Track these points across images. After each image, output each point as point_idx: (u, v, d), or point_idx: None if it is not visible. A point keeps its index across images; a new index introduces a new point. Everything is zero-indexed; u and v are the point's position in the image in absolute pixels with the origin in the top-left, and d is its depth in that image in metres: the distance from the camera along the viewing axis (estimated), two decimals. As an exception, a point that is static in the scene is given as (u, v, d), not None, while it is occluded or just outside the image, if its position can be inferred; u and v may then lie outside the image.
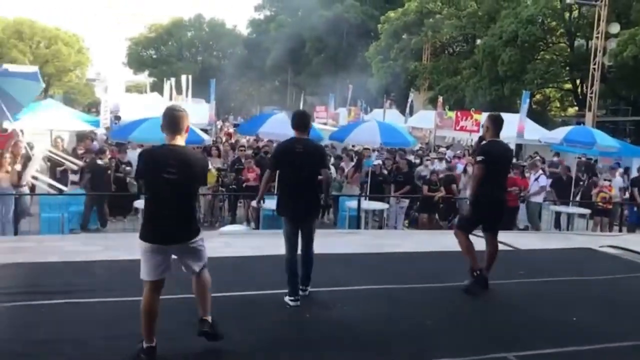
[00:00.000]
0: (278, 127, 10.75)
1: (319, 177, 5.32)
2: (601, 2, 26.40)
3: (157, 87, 53.50)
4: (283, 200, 5.30)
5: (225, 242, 7.74)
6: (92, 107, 43.19)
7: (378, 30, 40.86)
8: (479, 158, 5.76)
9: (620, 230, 12.51)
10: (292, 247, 5.19)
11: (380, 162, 13.35)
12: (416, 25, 37.73)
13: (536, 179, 12.43)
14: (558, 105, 40.67)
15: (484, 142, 5.97)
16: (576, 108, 36.26)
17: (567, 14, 31.71)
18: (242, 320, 4.73)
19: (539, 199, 12.40)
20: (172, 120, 3.97)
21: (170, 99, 38.04)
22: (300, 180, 5.19)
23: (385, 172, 12.97)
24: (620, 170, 13.89)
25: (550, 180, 13.08)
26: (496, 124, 5.91)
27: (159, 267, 3.86)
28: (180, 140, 3.96)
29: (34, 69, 9.96)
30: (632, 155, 16.60)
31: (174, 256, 3.96)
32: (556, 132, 13.60)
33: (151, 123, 9.97)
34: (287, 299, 5.14)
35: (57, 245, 7.74)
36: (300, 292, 5.23)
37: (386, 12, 41.66)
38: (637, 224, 12.97)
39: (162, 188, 3.83)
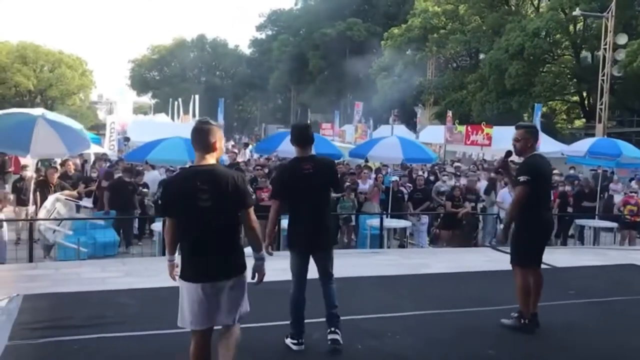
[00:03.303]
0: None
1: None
2: (608, 13, 26.28)
3: (161, 109, 53.59)
4: (290, 230, 4.52)
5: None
6: (95, 130, 43.17)
7: (381, 47, 40.85)
8: (523, 178, 4.92)
9: (648, 244, 12.16)
10: (300, 284, 4.49)
11: (397, 178, 13.08)
12: (420, 40, 37.71)
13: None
14: (565, 117, 40.46)
15: (528, 156, 5.15)
16: (583, 120, 36.08)
17: (571, 27, 31.64)
18: (286, 354, 4.38)
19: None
20: (198, 134, 3.40)
21: (173, 118, 38.07)
22: (313, 206, 4.46)
23: (403, 188, 12.71)
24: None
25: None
26: (536, 136, 5.28)
27: (205, 313, 3.30)
28: (211, 159, 3.39)
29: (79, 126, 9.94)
30: (650, 167, 16.24)
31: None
32: (579, 145, 13.29)
33: (168, 143, 9.70)
34: (288, 341, 4.50)
35: (74, 272, 7.42)
36: (330, 336, 4.40)
37: (389, 28, 41.72)
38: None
39: (195, 218, 3.27)
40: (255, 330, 4.40)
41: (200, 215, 3.25)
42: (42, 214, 9.21)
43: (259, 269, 3.55)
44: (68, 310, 5.34)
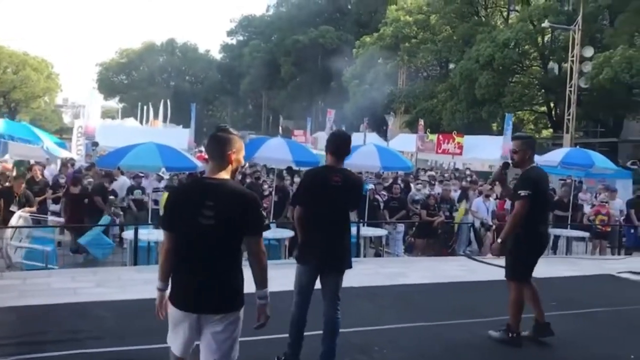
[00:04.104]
0: (275, 151, 10.31)
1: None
2: (575, 26, 26.87)
3: (128, 113, 52.82)
4: (304, 243, 4.26)
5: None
6: (59, 134, 42.29)
7: (353, 55, 41.03)
8: (523, 192, 4.77)
9: (618, 253, 12.36)
10: (304, 303, 4.22)
11: (373, 186, 13.05)
12: (392, 49, 37.99)
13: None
14: (532, 127, 41.19)
15: (527, 169, 5.00)
16: (551, 130, 36.81)
17: (539, 38, 32.27)
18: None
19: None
20: (213, 143, 3.04)
21: (142, 123, 37.53)
22: (334, 220, 4.18)
23: (378, 197, 12.67)
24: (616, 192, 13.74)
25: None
26: (534, 147, 5.15)
27: (188, 340, 2.95)
28: (225, 173, 3.00)
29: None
30: (619, 177, 16.60)
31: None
32: (552, 155, 13.42)
33: (142, 149, 9.42)
34: None
35: (43, 282, 7.12)
36: None
37: (360, 36, 41.97)
38: (635, 246, 12.79)
39: (194, 237, 2.90)
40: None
41: (199, 233, 2.88)
42: (7, 234, 8.88)
43: (262, 310, 3.05)
44: (40, 324, 5.09)
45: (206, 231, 2.86)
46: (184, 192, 3.15)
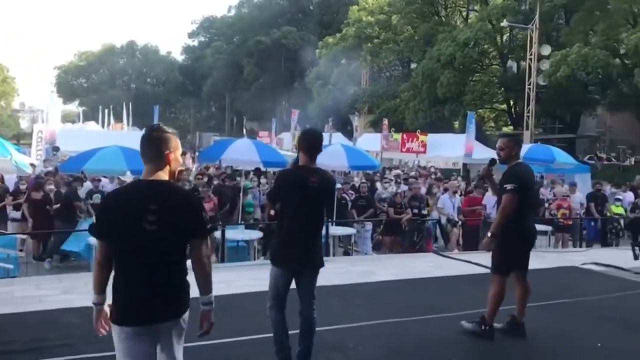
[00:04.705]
0: (242, 153, 10.27)
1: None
2: (532, 25, 27.51)
3: (89, 117, 51.74)
4: (281, 244, 4.18)
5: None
6: (16, 139, 41.12)
7: (316, 55, 41.13)
8: (509, 186, 4.85)
9: (580, 246, 12.68)
10: (281, 304, 4.17)
11: (340, 185, 13.10)
12: (354, 49, 38.24)
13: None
14: (493, 125, 42.01)
15: (512, 164, 5.08)
16: (511, 127, 37.59)
17: (498, 38, 32.94)
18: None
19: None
20: (147, 143, 2.81)
21: (104, 127, 36.78)
22: (311, 221, 4.15)
23: (345, 195, 12.73)
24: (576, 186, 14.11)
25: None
26: (520, 144, 5.32)
27: None
28: (163, 174, 2.80)
29: None
30: (578, 172, 17.03)
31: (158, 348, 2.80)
32: (514, 151, 13.71)
33: (105, 152, 9.28)
34: None
35: (6, 291, 6.91)
36: None
37: (323, 37, 42.12)
38: (595, 239, 13.17)
39: (136, 244, 2.68)
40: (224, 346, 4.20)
41: (144, 240, 2.68)
42: None
43: (206, 316, 2.89)
44: (5, 334, 4.93)
45: (151, 237, 2.68)
46: (121, 196, 2.86)
